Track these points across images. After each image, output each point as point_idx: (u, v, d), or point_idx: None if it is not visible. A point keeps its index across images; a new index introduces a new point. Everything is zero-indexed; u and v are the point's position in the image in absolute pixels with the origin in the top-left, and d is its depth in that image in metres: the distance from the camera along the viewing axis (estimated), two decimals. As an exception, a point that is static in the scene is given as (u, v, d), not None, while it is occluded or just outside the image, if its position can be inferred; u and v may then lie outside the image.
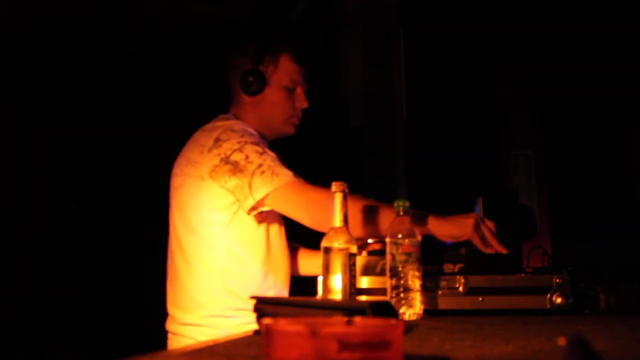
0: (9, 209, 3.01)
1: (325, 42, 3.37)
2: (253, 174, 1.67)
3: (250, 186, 1.67)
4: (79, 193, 3.05)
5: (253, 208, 1.71)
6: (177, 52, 3.17)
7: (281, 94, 1.90)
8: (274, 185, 1.66)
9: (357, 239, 1.44)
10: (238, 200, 1.71)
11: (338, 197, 1.38)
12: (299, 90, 1.93)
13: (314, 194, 1.65)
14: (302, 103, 1.93)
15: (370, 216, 1.61)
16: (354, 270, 1.37)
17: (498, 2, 3.80)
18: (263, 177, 1.66)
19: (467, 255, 1.58)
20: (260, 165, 1.68)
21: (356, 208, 1.59)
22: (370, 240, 1.85)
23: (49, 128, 3.09)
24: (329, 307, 1.03)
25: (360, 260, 1.54)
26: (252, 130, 1.81)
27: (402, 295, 1.37)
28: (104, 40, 3.17)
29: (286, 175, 1.67)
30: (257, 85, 1.87)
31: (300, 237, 2.02)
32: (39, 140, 3.10)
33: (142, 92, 3.13)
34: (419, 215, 1.57)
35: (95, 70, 3.14)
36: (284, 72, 1.90)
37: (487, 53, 3.87)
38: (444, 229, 1.59)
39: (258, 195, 1.67)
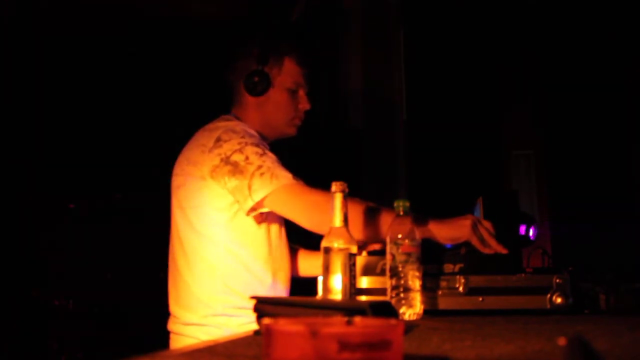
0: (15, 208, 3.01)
1: (325, 42, 3.37)
2: (252, 175, 1.67)
3: (249, 187, 1.67)
4: (81, 193, 3.05)
5: (252, 209, 1.71)
6: (180, 52, 3.17)
7: (284, 95, 1.91)
8: (272, 187, 1.66)
9: (357, 241, 1.44)
10: (237, 202, 1.72)
11: (338, 197, 1.38)
12: (301, 92, 1.94)
13: (312, 197, 1.65)
14: (305, 105, 1.94)
15: (370, 220, 1.61)
16: (354, 270, 1.37)
17: (498, 3, 3.80)
18: (262, 178, 1.67)
19: (467, 256, 1.58)
20: (259, 167, 1.68)
21: (356, 211, 1.59)
22: (370, 241, 1.85)
23: (51, 128, 3.09)
24: (329, 307, 1.03)
25: (360, 260, 1.54)
26: (253, 132, 1.82)
27: (402, 295, 1.37)
28: (106, 41, 3.17)
29: (285, 177, 1.68)
30: (262, 86, 1.88)
31: (300, 237, 2.02)
32: (40, 141, 3.10)
33: (144, 92, 3.13)
34: (417, 218, 1.57)
35: (98, 71, 3.14)
36: (287, 73, 1.91)
37: (487, 53, 3.87)
38: (443, 231, 1.60)
39: (257, 196, 1.67)
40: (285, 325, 0.60)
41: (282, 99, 1.91)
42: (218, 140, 1.74)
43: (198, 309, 1.74)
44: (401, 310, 1.35)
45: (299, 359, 0.56)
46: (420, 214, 1.59)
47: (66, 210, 3.03)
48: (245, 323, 1.69)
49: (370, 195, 1.72)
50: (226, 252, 1.75)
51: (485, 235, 1.58)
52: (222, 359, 0.77)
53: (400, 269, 1.37)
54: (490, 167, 3.86)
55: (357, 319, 0.67)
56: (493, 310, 1.49)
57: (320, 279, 1.51)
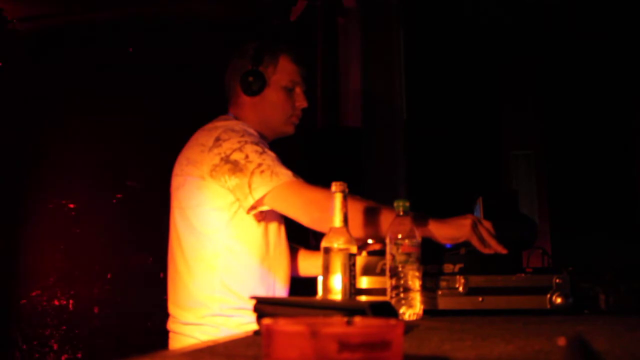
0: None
1: (325, 42, 3.37)
2: (253, 173, 1.68)
3: (249, 185, 1.67)
4: (81, 193, 3.05)
5: (252, 207, 1.71)
6: (177, 52, 3.18)
7: (281, 94, 1.91)
8: (273, 184, 1.66)
9: (357, 240, 1.44)
10: (238, 200, 1.72)
11: (338, 197, 1.38)
12: (298, 90, 1.94)
13: (312, 194, 1.66)
14: (302, 103, 1.94)
15: (370, 217, 1.61)
16: (354, 270, 1.37)
17: (498, 3, 3.80)
18: (262, 176, 1.67)
19: (467, 256, 1.58)
20: (259, 165, 1.68)
21: (356, 209, 1.59)
22: (370, 241, 1.85)
23: (49, 128, 3.10)
24: (329, 307, 1.03)
25: (360, 260, 1.54)
26: (252, 131, 1.82)
27: (402, 295, 1.37)
28: (104, 40, 3.17)
29: (285, 174, 1.68)
30: (257, 85, 1.88)
31: (300, 237, 2.02)
32: (39, 141, 3.10)
33: (142, 92, 3.13)
34: (417, 217, 1.57)
35: (96, 71, 3.15)
36: (283, 72, 1.91)
37: (487, 53, 3.87)
38: (443, 231, 1.60)
39: (257, 194, 1.67)
40: (285, 325, 0.60)
41: (278, 98, 1.91)
42: (217, 139, 1.74)
43: (195, 309, 1.75)
44: (401, 310, 1.35)
45: (298, 359, 0.56)
46: (420, 214, 1.59)
47: (66, 210, 3.03)
48: (243, 323, 1.70)
49: (370, 195, 1.72)
50: (225, 250, 1.76)
51: (485, 235, 1.58)
52: (222, 359, 0.77)
53: (400, 269, 1.37)
54: (490, 167, 3.86)
55: (357, 319, 0.67)
56: (493, 310, 1.49)
57: (320, 279, 1.51)
